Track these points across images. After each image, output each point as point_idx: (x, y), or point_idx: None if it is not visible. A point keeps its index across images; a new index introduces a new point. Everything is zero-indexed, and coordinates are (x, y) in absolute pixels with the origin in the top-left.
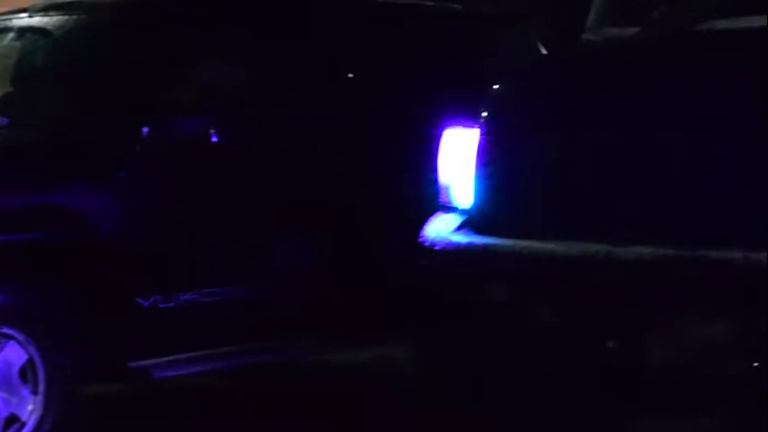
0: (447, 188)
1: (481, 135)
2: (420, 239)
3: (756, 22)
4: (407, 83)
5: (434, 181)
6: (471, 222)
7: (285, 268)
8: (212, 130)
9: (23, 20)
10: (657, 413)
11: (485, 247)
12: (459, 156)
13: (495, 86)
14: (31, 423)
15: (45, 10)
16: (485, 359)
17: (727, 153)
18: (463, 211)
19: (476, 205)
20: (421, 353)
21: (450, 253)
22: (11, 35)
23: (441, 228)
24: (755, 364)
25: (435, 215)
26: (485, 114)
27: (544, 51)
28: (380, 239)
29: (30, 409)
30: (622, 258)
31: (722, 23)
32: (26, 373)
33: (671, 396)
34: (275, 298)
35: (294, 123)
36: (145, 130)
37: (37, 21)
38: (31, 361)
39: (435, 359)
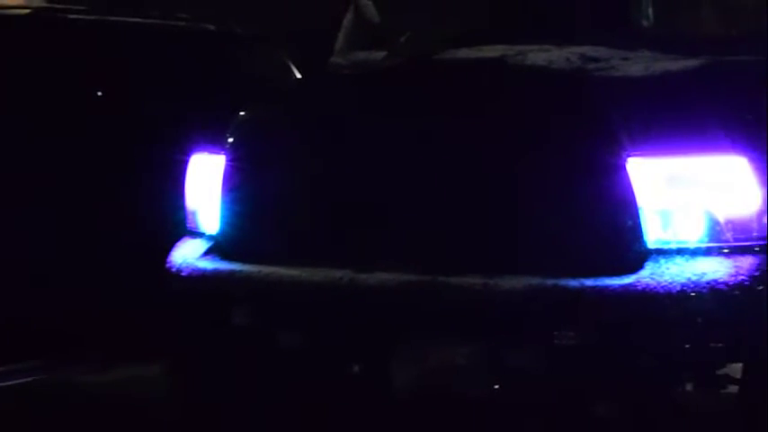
0: (194, 213)
1: (227, 161)
2: (167, 265)
3: (495, 51)
4: (152, 105)
5: (182, 206)
6: (218, 248)
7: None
8: None
9: None
10: None
11: (230, 273)
12: (205, 181)
13: (242, 112)
14: None
15: None
16: (236, 383)
17: (463, 181)
18: (210, 237)
19: (222, 231)
20: (177, 375)
21: (197, 279)
22: None
23: (187, 253)
24: (496, 387)
25: (182, 240)
26: (230, 140)
27: (297, 74)
28: (127, 263)
29: None
30: (366, 284)
31: (463, 53)
32: None
33: (416, 419)
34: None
35: (28, 149)
36: None
37: None
38: None
39: (192, 382)
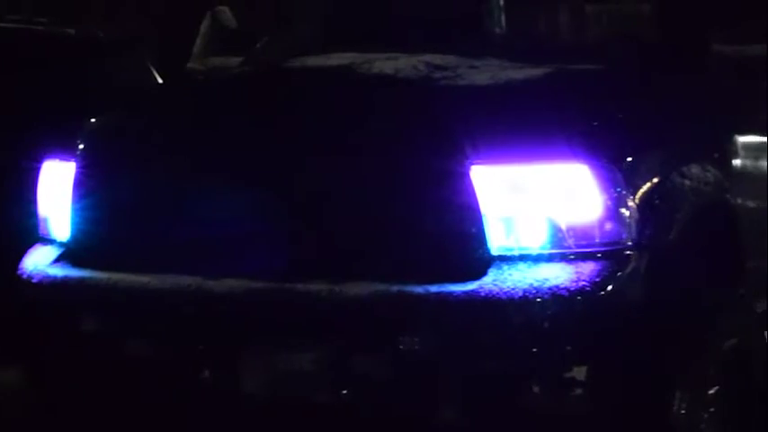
0: (46, 220)
1: (77, 168)
2: (18, 271)
3: (343, 59)
4: (3, 110)
5: (34, 213)
6: (70, 255)
7: None
8: None
9: None
10: None
11: (80, 280)
12: (56, 188)
13: (92, 118)
14: None
15: None
16: (86, 390)
17: (309, 188)
18: (62, 244)
19: (73, 238)
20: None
21: (47, 286)
22: None
23: (38, 260)
24: (344, 392)
25: (34, 247)
26: (80, 147)
27: (158, 79)
28: None
29: None
30: (214, 291)
31: (313, 60)
32: None
33: (266, 426)
34: None
35: None
36: None
37: None
38: None
39: (44, 388)
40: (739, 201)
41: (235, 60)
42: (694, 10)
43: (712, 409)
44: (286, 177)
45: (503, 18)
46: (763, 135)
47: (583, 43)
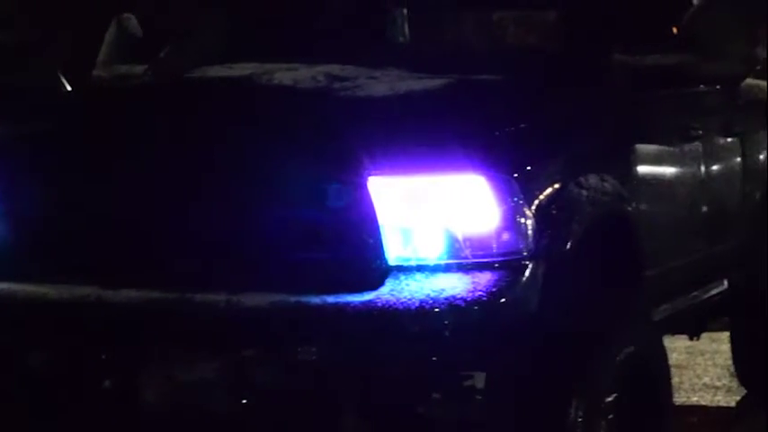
0: None
1: None
2: None
3: (244, 70)
4: None
5: None
6: None
7: None
8: None
9: None
10: None
11: None
12: None
13: None
14: None
15: None
16: None
17: (207, 200)
18: None
19: None
20: None
21: None
22: None
23: None
24: (244, 402)
25: None
26: None
27: (66, 85)
28: None
29: None
30: (112, 301)
31: (214, 70)
32: None
33: None
34: None
35: None
36: None
37: None
38: None
39: None
40: (638, 209)
41: (140, 68)
42: (597, 21)
43: (610, 417)
44: (184, 188)
45: (406, 28)
46: (662, 144)
47: (486, 53)
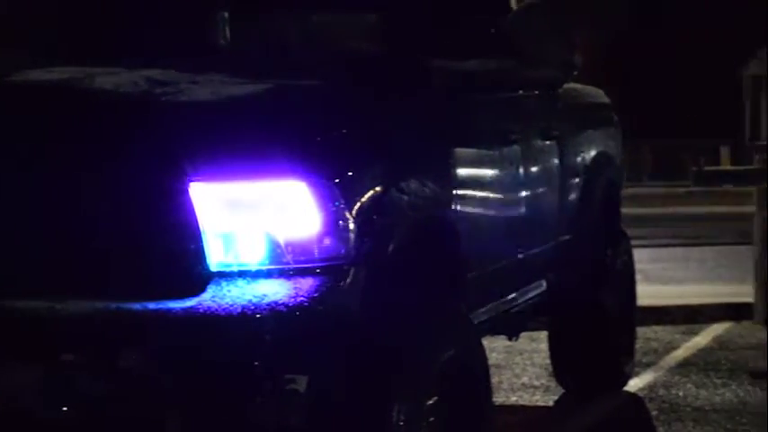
0: None
1: None
2: None
3: (64, 74)
4: None
5: None
6: None
7: None
8: None
9: None
10: None
11: None
12: None
13: None
14: None
15: None
16: None
17: (27, 205)
18: None
19: None
20: None
21: None
22: None
23: None
24: (65, 409)
25: None
26: None
27: None
28: None
29: None
30: None
31: (35, 74)
32: None
33: None
34: None
35: None
36: None
37: None
38: None
39: None
40: (459, 214)
41: None
42: (417, 24)
43: (432, 419)
44: (3, 193)
45: (227, 32)
46: (482, 148)
47: (308, 58)
